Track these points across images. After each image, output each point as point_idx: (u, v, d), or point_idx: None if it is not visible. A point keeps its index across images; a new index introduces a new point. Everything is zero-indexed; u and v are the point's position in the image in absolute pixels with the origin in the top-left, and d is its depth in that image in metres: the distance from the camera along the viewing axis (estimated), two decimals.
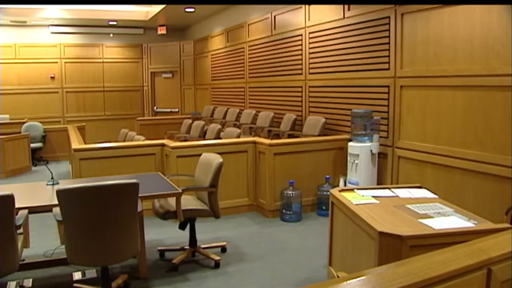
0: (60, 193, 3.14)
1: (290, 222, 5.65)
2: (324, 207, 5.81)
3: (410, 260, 1.72)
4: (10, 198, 3.03)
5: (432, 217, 2.93)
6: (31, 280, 4.06)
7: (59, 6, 11.27)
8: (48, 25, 12.65)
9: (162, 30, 13.20)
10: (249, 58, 9.57)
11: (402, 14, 5.36)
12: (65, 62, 12.99)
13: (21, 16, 11.53)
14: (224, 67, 11.03)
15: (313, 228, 5.43)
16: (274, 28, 8.46)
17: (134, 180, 3.27)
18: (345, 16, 6.40)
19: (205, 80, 12.42)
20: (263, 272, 4.19)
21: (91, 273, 4.17)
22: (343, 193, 3.56)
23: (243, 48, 9.81)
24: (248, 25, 9.53)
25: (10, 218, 3.09)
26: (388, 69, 5.62)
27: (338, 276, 2.97)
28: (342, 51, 6.53)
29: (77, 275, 4.14)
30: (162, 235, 5.16)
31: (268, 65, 8.77)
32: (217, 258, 4.34)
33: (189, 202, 4.38)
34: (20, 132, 10.08)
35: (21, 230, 3.42)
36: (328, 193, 5.51)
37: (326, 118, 6.79)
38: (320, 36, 7.02)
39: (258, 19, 9.06)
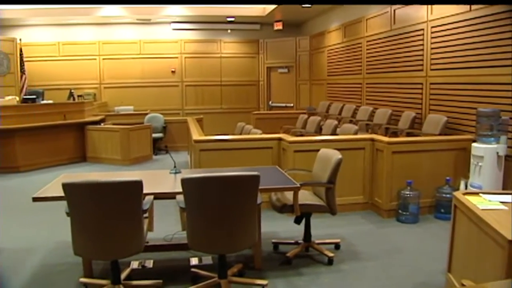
0: (184, 182, 3.29)
1: (406, 224, 5.48)
2: (443, 210, 5.55)
3: None
4: (139, 184, 3.24)
5: None
6: (152, 261, 4.33)
7: (180, 5, 11.89)
8: (170, 22, 13.35)
9: (278, 26, 13.33)
10: (367, 53, 9.38)
11: None
12: (185, 57, 13.62)
13: (146, 14, 12.34)
14: (340, 62, 10.92)
15: (430, 231, 5.22)
16: (394, 23, 8.22)
17: (255, 173, 3.34)
18: (472, 8, 6.05)
19: (320, 75, 12.39)
20: (378, 272, 4.12)
21: (207, 259, 4.33)
22: (467, 197, 3.38)
23: (361, 43, 9.64)
24: (366, 20, 9.34)
25: (138, 202, 3.31)
26: None
27: (463, 285, 2.83)
28: (467, 46, 6.18)
29: (194, 261, 4.33)
30: (276, 228, 5.23)
31: (387, 61, 8.54)
32: (331, 254, 4.32)
33: (306, 197, 4.40)
34: (143, 123, 10.80)
35: (146, 214, 3.62)
36: (448, 195, 5.33)
37: (447, 117, 6.49)
38: (444, 30, 6.70)
39: (377, 14, 8.85)
